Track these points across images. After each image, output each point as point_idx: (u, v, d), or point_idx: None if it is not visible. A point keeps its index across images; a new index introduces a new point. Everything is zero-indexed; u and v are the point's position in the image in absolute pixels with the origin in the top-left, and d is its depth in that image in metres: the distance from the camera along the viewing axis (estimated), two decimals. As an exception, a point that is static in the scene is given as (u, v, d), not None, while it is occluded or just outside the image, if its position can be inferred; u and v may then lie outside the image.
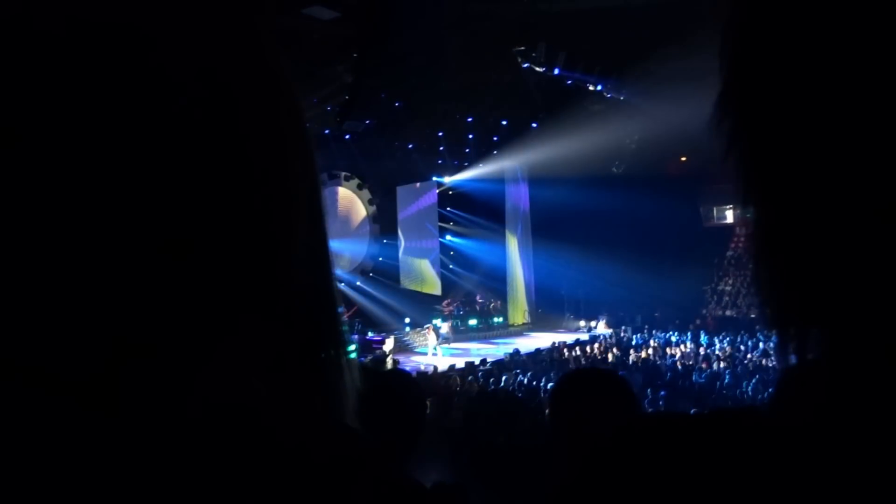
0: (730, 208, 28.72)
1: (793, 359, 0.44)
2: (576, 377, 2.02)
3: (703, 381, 14.35)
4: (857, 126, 0.38)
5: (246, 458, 0.39)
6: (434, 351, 19.82)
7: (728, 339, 19.88)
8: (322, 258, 0.50)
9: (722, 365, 15.74)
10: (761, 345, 17.68)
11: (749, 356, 16.80)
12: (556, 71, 19.63)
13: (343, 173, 26.08)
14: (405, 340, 23.04)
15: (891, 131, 0.37)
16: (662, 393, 13.17)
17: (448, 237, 29.54)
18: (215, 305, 0.42)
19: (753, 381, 13.50)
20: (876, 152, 0.37)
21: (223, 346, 0.42)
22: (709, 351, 18.41)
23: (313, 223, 0.49)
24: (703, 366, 15.99)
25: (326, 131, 21.44)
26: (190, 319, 0.40)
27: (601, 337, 22.57)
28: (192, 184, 0.40)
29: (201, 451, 0.38)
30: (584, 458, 0.49)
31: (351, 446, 0.44)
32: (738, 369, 15.05)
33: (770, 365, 14.98)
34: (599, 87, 21.39)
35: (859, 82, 0.37)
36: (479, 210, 28.45)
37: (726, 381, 14.19)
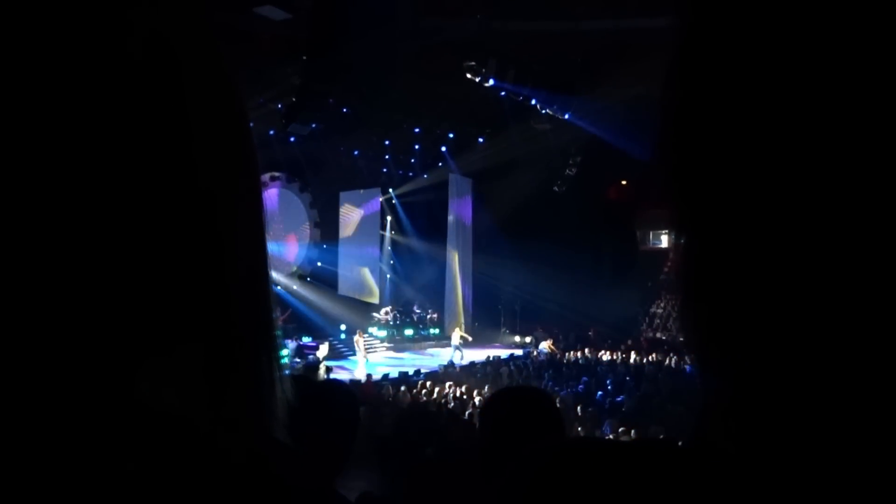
0: (665, 233, 29.45)
1: (712, 387, 0.45)
2: (505, 396, 2.03)
3: (632, 402, 14.63)
4: (787, 184, 0.39)
5: (174, 469, 0.39)
6: (365, 360, 19.65)
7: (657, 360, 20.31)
8: (260, 266, 0.49)
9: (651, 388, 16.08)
10: (688, 368, 18.14)
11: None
12: (503, 92, 19.86)
13: (285, 175, 25.77)
14: (339, 348, 22.81)
15: (813, 188, 0.38)
16: (591, 409, 13.38)
17: (389, 246, 29.45)
18: (148, 311, 0.41)
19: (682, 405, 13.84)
20: (799, 205, 0.39)
21: (156, 354, 0.41)
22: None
23: (252, 231, 0.48)
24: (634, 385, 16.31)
25: (271, 132, 21.15)
26: (121, 326, 0.40)
27: (537, 353, 22.79)
28: (129, 188, 0.40)
29: (130, 459, 0.38)
30: (503, 485, 0.49)
31: (278, 460, 0.43)
32: (664, 391, 15.39)
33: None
34: (546, 109, 21.71)
35: (794, 145, 0.39)
36: (422, 221, 28.48)
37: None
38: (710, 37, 0.43)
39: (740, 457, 0.41)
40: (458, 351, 22.30)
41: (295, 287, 25.48)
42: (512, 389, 2.43)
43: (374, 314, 26.66)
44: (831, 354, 0.38)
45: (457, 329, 24.35)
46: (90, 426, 0.38)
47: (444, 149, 26.73)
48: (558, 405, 2.02)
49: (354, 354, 20.62)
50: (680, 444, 0.47)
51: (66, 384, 0.38)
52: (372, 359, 20.68)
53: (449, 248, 28.22)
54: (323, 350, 20.07)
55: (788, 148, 0.39)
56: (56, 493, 0.36)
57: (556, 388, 15.19)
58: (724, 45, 0.42)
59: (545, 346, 23.50)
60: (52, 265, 0.38)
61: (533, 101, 21.30)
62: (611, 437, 11.16)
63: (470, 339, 23.97)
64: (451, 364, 19.23)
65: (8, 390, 0.37)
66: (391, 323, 26.67)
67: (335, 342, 22.91)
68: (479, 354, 22.06)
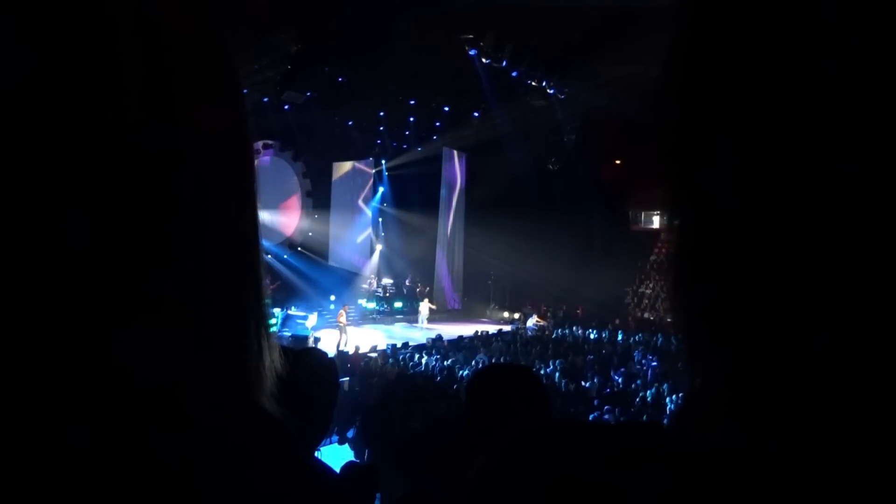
0: (657, 214, 29.52)
1: (699, 371, 0.45)
2: (491, 373, 2.04)
3: (619, 379, 14.76)
4: (786, 166, 0.39)
5: (160, 435, 0.38)
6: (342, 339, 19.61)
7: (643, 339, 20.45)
8: (250, 234, 0.48)
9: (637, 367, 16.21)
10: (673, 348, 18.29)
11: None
12: (503, 63, 19.71)
13: (279, 143, 25.60)
14: (328, 318, 22.86)
15: (809, 175, 0.38)
16: (570, 383, 13.52)
17: (381, 218, 29.41)
18: (136, 276, 0.41)
19: (666, 385, 13.96)
20: (798, 189, 0.38)
21: (142, 320, 0.41)
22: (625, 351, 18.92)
23: (244, 198, 0.48)
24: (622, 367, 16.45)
25: (265, 99, 20.96)
26: (104, 290, 0.40)
27: (525, 329, 22.91)
28: (119, 152, 0.40)
29: (115, 425, 0.38)
30: (484, 464, 0.49)
31: (264, 428, 0.44)
32: (650, 373, 15.52)
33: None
34: (543, 83, 21.59)
35: (796, 129, 0.39)
36: (414, 193, 28.41)
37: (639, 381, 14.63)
38: (712, 15, 0.43)
39: (724, 443, 0.41)
40: (425, 322, 22.71)
41: (285, 256, 25.45)
42: (498, 367, 2.44)
43: (363, 286, 26.70)
44: (827, 342, 0.38)
45: (425, 301, 24.50)
46: (71, 391, 0.38)
47: (438, 122, 26.62)
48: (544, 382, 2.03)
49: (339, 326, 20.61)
50: (663, 428, 0.47)
51: (46, 348, 0.38)
52: (353, 333, 20.61)
53: (441, 221, 28.20)
54: (312, 320, 20.10)
55: (789, 130, 0.39)
56: (34, 459, 0.35)
57: (543, 365, 15.30)
58: (727, 25, 0.42)
59: (533, 321, 23.61)
60: (37, 231, 0.37)
61: (529, 78, 21.17)
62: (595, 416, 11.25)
63: (435, 307, 24.25)
64: (440, 337, 19.30)
65: None
66: (381, 295, 26.73)
67: (324, 312, 22.94)
68: (467, 329, 22.16)
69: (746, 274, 0.41)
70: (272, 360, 0.49)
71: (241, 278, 0.48)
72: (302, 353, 2.20)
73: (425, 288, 28.00)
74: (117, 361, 0.39)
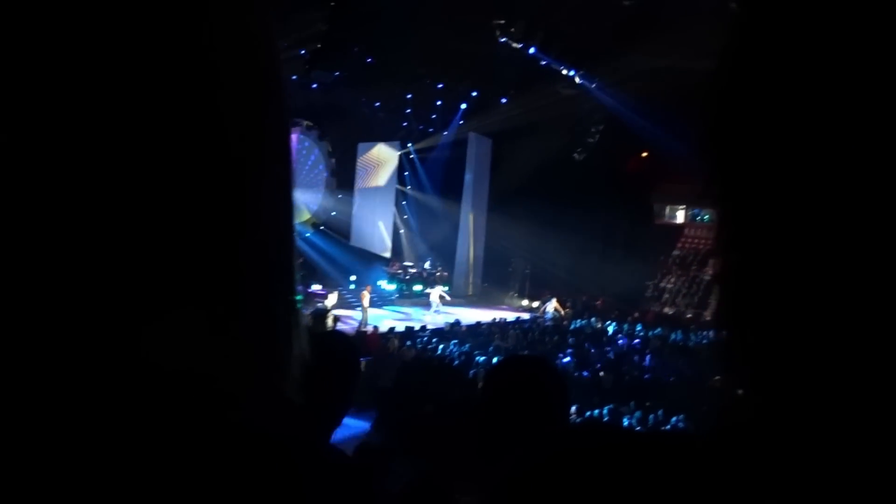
0: (682, 208, 29.26)
1: (740, 375, 0.44)
2: (508, 363, 2.04)
3: (635, 372, 14.70)
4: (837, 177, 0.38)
5: (183, 423, 0.38)
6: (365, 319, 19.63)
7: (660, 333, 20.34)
8: (285, 223, 0.47)
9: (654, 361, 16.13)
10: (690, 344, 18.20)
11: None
12: (533, 49, 19.55)
13: (305, 122, 25.67)
14: (348, 298, 22.97)
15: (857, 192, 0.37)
16: (586, 374, 13.51)
17: (404, 201, 29.43)
18: (166, 267, 0.39)
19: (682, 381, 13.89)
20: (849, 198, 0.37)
21: (175, 311, 0.40)
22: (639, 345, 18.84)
23: (279, 185, 0.47)
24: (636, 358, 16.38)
25: (293, 77, 21.01)
26: (131, 275, 0.38)
27: (542, 318, 22.86)
28: (154, 135, 0.39)
29: (139, 412, 0.37)
30: (514, 477, 0.49)
31: (286, 417, 0.44)
32: (667, 368, 15.45)
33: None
34: (572, 73, 21.41)
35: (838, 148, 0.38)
36: (439, 178, 28.38)
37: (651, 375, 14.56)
38: (764, 20, 0.42)
39: (764, 455, 0.41)
40: (437, 311, 22.87)
41: (308, 234, 25.58)
42: (516, 358, 2.44)
43: (384, 267, 26.78)
44: (880, 353, 0.37)
45: (438, 288, 24.51)
46: (97, 381, 0.37)
47: (465, 106, 26.51)
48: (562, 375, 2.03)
49: (360, 306, 20.69)
50: (698, 438, 0.46)
51: (73, 334, 0.37)
52: (373, 314, 20.68)
53: (464, 206, 28.14)
54: (331, 299, 20.21)
55: (838, 134, 0.38)
56: (62, 448, 0.35)
57: (560, 354, 15.28)
58: (779, 29, 0.41)
59: (551, 307, 23.45)
60: (65, 224, 0.36)
61: (559, 66, 21.00)
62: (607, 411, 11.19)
63: (448, 298, 24.19)
64: (458, 323, 19.32)
65: (12, 338, 0.35)
66: (401, 277, 26.79)
67: (344, 292, 23.05)
68: (485, 315, 22.16)
69: (796, 282, 0.39)
70: (300, 349, 0.48)
71: (274, 267, 0.46)
72: (324, 338, 2.21)
73: (444, 273, 27.99)
74: (149, 354, 0.39)
